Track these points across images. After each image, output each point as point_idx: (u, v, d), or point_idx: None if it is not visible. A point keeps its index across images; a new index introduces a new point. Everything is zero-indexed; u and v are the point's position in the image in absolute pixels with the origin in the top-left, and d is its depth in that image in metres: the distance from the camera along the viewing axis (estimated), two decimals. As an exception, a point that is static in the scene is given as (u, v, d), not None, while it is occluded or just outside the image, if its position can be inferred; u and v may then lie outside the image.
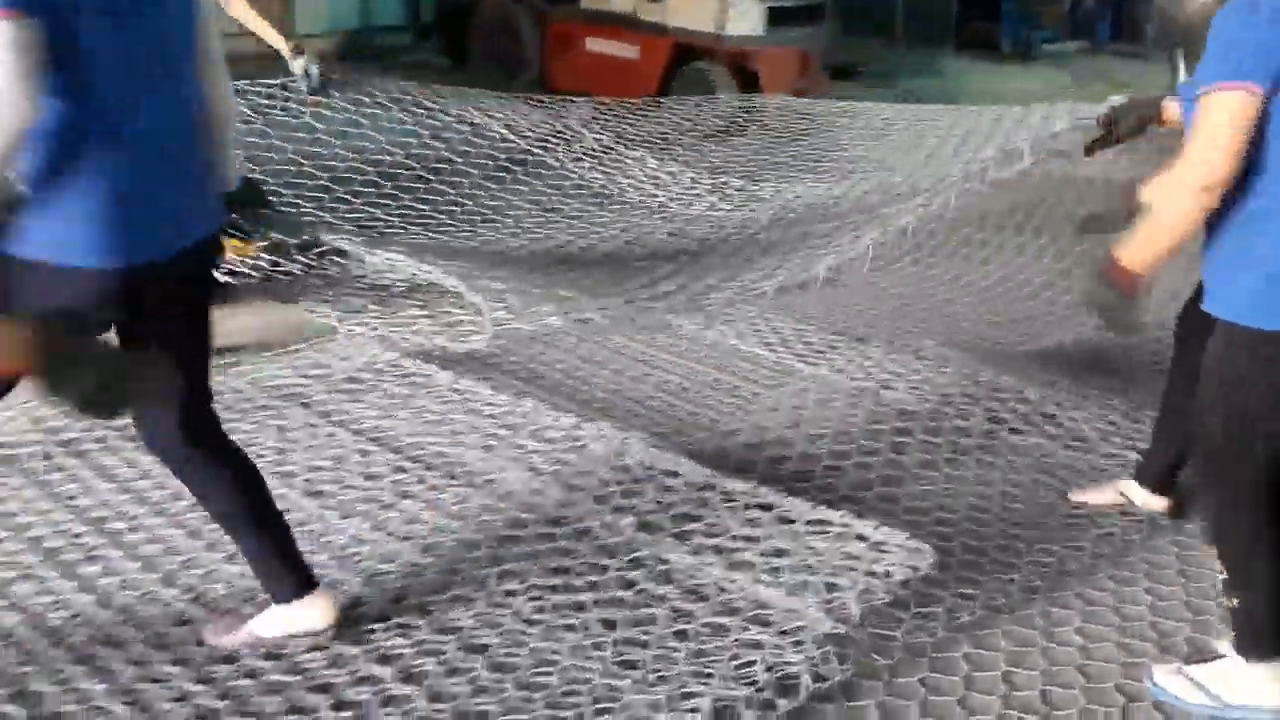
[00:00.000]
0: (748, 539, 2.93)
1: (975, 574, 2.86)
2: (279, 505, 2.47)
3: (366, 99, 5.08)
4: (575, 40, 8.72)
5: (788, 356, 4.20)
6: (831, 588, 2.64)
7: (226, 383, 3.63)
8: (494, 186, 5.12)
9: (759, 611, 2.62)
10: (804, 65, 8.15)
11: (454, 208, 5.12)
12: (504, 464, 3.31)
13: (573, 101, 6.03)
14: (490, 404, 3.69)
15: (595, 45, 8.59)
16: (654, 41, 8.22)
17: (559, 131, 5.53)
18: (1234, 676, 2.35)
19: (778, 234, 4.61)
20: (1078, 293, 2.33)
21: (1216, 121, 2.09)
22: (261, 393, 3.74)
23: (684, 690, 2.37)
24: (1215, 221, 2.19)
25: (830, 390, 3.91)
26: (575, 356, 4.17)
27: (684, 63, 8.13)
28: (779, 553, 2.85)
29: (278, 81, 4.56)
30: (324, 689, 2.37)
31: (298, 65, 4.51)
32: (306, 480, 3.20)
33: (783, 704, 2.34)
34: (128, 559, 2.80)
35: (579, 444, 3.40)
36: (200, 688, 2.35)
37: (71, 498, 3.08)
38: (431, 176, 4.95)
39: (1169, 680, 2.41)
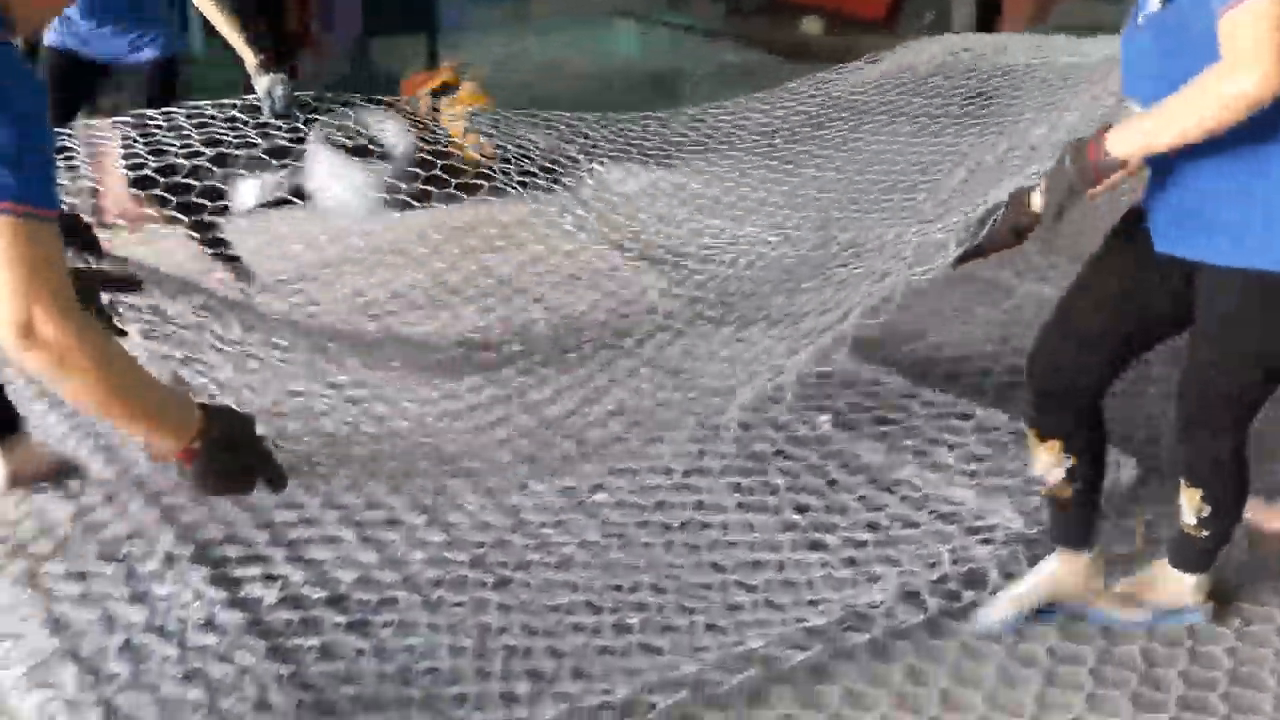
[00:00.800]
0: (945, 444, 2.96)
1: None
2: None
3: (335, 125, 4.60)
4: (808, -48, 8.63)
5: (1005, 272, 4.14)
6: (1026, 492, 2.65)
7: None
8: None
9: (951, 509, 2.67)
10: (1051, -23, 7.83)
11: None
12: (705, 361, 3.41)
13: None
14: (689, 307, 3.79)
15: (829, -43, 8.48)
16: (890, -47, 8.05)
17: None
18: (1169, 586, 2.37)
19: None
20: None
21: (1263, 29, 1.73)
22: (490, 278, 4.00)
23: (870, 574, 2.45)
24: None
25: (1044, 308, 3.83)
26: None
27: (920, -25, 7.94)
28: (976, 458, 2.87)
29: (232, 102, 3.83)
30: (535, 536, 2.57)
31: (262, 83, 3.91)
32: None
33: (968, 595, 2.40)
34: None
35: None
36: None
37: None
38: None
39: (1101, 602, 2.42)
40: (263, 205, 4.86)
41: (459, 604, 2.34)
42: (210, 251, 4.01)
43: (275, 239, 4.50)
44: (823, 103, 5.36)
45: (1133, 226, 2.17)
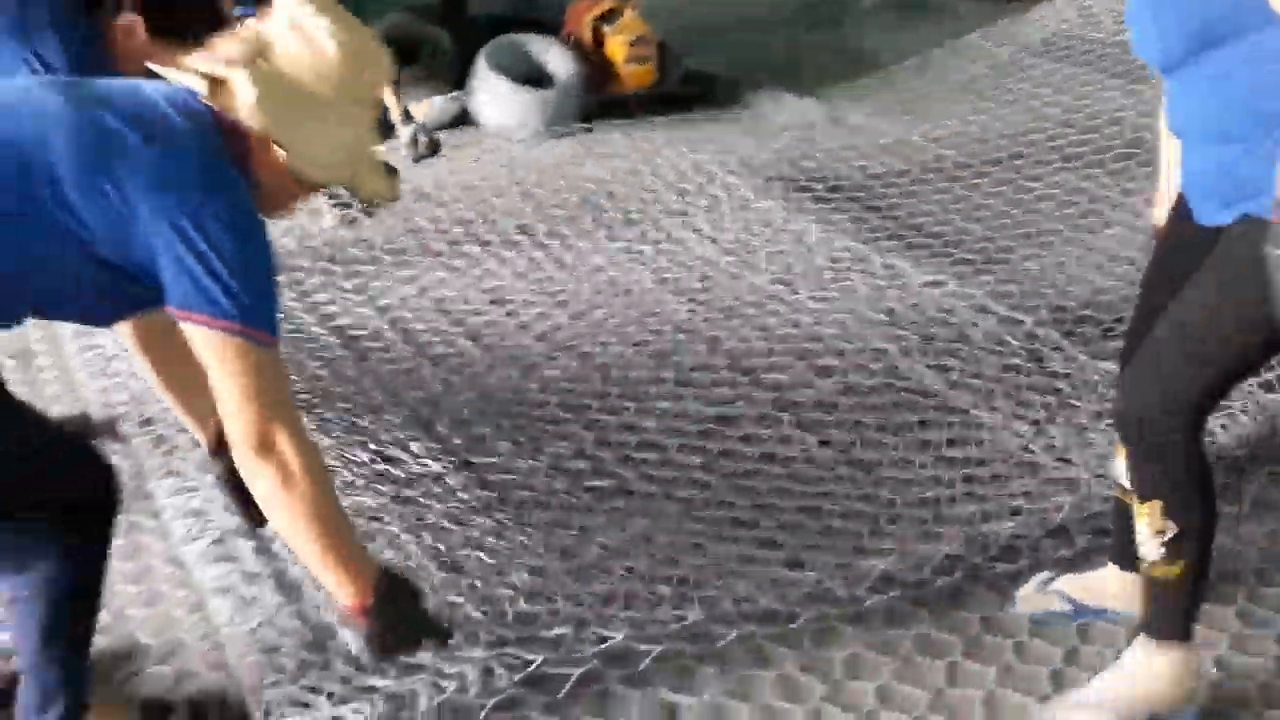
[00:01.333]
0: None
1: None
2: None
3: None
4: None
5: (1100, 206, 3.99)
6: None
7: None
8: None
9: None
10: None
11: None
12: (833, 294, 3.42)
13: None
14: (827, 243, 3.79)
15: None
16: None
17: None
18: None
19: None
20: None
21: None
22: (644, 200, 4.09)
23: (1012, 507, 2.44)
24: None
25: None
26: (915, 198, 4.18)
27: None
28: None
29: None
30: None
31: (406, 133, 4.28)
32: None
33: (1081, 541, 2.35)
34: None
35: (898, 283, 3.43)
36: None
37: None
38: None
39: None
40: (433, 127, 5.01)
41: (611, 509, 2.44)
42: None
43: (443, 158, 4.66)
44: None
45: (1179, 212, 1.96)
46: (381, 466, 2.56)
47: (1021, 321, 3.12)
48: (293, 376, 2.84)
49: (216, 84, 1.64)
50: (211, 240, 1.57)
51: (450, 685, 1.93)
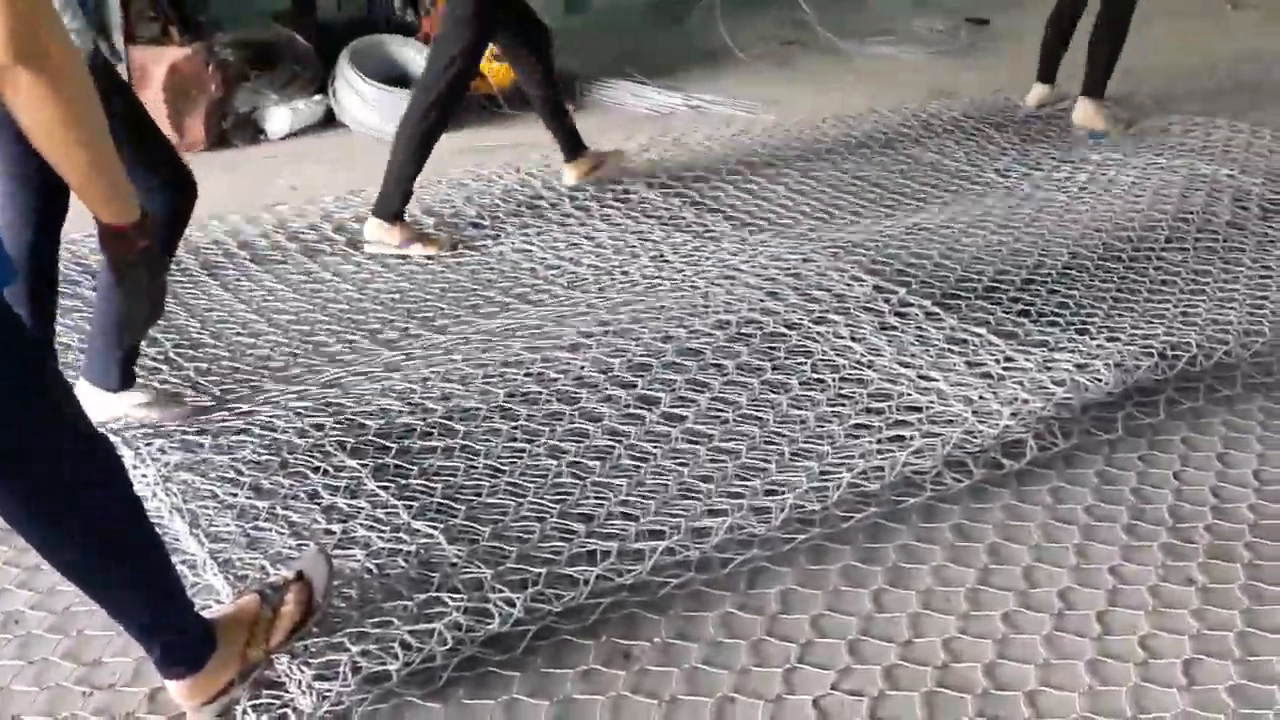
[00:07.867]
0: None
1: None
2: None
3: None
4: None
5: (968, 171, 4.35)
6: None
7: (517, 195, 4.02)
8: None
9: (976, 397, 2.83)
10: None
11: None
12: (712, 268, 3.58)
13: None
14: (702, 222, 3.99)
15: None
16: None
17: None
18: None
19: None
20: None
21: None
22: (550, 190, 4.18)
23: (916, 448, 2.62)
24: None
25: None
26: (782, 179, 4.42)
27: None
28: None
29: None
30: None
31: None
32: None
33: (1008, 464, 2.59)
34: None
35: (776, 261, 3.57)
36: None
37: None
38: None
39: None
40: (296, 131, 4.99)
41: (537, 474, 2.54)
42: None
43: (315, 163, 4.65)
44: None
45: None
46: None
47: (894, 291, 3.32)
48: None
49: None
50: None
51: (417, 652, 2.01)
